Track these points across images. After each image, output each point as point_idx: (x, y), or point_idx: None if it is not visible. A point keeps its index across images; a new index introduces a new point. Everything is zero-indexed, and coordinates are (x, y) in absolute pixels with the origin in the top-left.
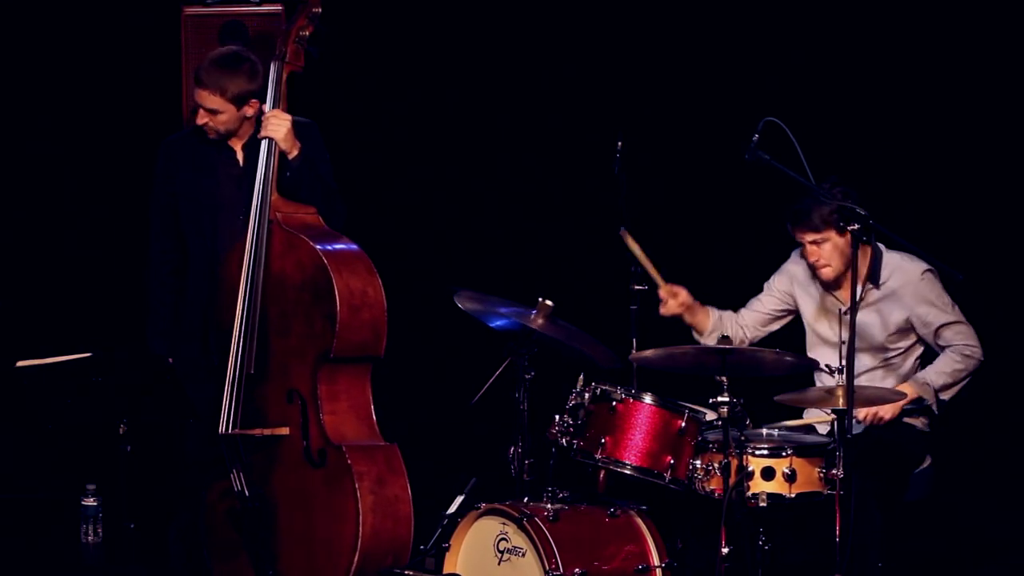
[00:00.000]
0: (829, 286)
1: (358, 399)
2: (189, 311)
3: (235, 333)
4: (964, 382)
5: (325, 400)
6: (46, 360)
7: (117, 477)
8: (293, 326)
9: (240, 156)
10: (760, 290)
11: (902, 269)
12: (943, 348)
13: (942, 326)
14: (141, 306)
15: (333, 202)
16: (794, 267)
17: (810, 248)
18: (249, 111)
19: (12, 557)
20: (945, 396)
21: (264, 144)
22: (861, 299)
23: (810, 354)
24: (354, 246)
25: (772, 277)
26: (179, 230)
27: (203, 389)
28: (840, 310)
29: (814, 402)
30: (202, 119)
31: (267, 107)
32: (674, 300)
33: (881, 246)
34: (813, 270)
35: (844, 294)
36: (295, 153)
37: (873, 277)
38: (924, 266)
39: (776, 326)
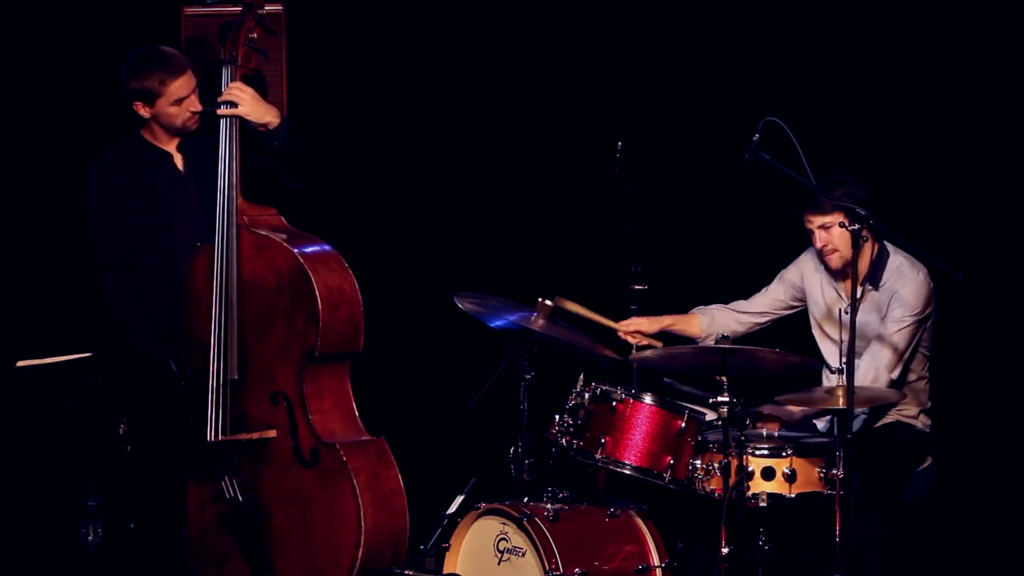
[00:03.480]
0: (836, 275)
1: (340, 396)
2: (153, 322)
3: (212, 340)
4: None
5: (311, 399)
6: (46, 360)
7: (117, 477)
8: (272, 328)
9: (178, 159)
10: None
11: (901, 272)
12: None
13: (883, 334)
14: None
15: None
16: (807, 261)
17: (818, 233)
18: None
19: (12, 557)
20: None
21: (224, 148)
22: (861, 299)
23: (821, 347)
24: (324, 244)
25: (787, 267)
26: (127, 243)
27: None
28: (840, 308)
29: (815, 402)
30: (195, 105)
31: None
32: (637, 337)
33: (889, 247)
34: (821, 256)
35: (848, 287)
36: (276, 122)
37: (873, 278)
38: (924, 272)
39: (784, 313)
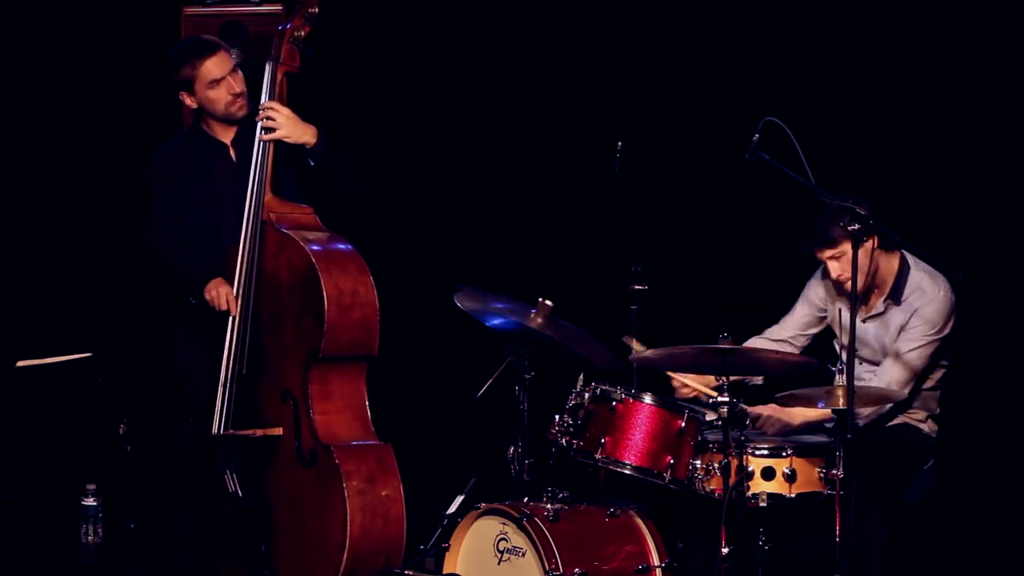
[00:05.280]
0: (857, 299)
1: (351, 398)
2: (198, 312)
3: (228, 334)
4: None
5: (316, 400)
6: (46, 360)
7: (117, 477)
8: (285, 327)
9: (232, 152)
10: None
11: (923, 289)
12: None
13: (899, 351)
14: (142, 306)
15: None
16: (823, 278)
17: (831, 264)
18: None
19: (12, 557)
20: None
21: (257, 147)
22: (883, 313)
23: (838, 349)
24: (347, 245)
25: (808, 282)
26: (183, 223)
27: (204, 390)
28: (859, 320)
29: (815, 401)
30: (236, 85)
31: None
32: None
33: (909, 260)
34: (838, 287)
35: (870, 303)
36: (313, 141)
37: (895, 294)
38: (945, 287)
39: (817, 329)
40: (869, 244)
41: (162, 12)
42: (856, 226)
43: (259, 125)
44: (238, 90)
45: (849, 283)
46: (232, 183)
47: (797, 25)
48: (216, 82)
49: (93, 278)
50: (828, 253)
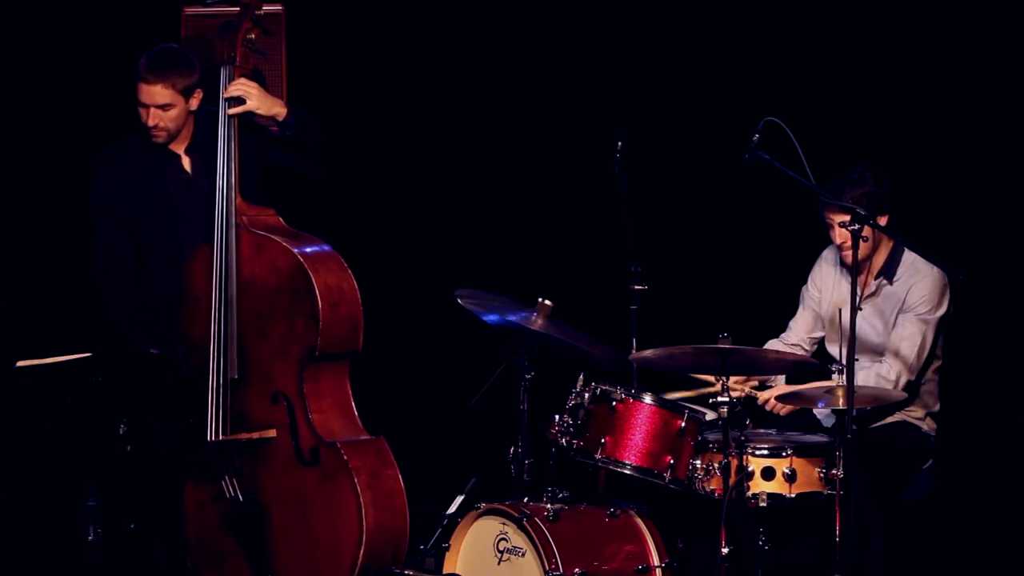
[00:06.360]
0: (851, 270)
1: (339, 395)
2: (156, 320)
3: (212, 341)
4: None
5: (311, 399)
6: (46, 360)
7: (117, 477)
8: (272, 328)
9: (186, 161)
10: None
11: (916, 267)
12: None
13: (898, 335)
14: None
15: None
16: (824, 260)
17: (839, 230)
18: (194, 103)
19: (12, 557)
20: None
21: (223, 148)
22: (875, 293)
23: (828, 348)
24: (324, 244)
25: (805, 285)
26: (133, 239)
27: None
28: (858, 305)
29: (814, 401)
30: (153, 119)
31: (220, 112)
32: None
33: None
34: (840, 251)
35: (861, 283)
36: (284, 112)
37: (888, 272)
38: (939, 271)
39: (821, 332)
40: (882, 220)
41: (162, 12)
42: (856, 226)
43: (222, 101)
44: (151, 124)
45: (848, 252)
46: (186, 193)
47: (797, 24)
48: (143, 105)
49: (93, 278)
50: (839, 218)
